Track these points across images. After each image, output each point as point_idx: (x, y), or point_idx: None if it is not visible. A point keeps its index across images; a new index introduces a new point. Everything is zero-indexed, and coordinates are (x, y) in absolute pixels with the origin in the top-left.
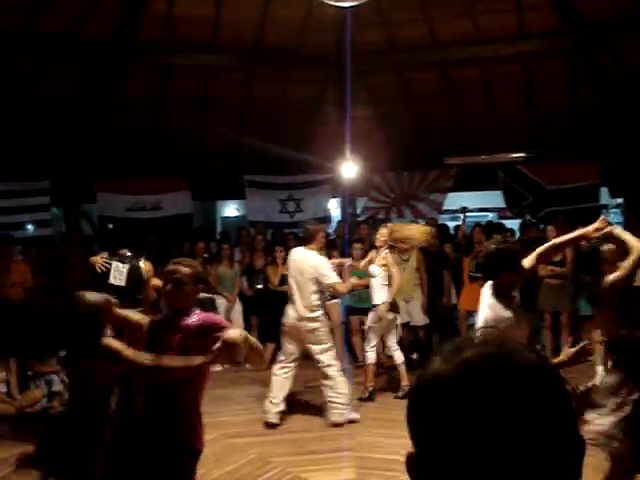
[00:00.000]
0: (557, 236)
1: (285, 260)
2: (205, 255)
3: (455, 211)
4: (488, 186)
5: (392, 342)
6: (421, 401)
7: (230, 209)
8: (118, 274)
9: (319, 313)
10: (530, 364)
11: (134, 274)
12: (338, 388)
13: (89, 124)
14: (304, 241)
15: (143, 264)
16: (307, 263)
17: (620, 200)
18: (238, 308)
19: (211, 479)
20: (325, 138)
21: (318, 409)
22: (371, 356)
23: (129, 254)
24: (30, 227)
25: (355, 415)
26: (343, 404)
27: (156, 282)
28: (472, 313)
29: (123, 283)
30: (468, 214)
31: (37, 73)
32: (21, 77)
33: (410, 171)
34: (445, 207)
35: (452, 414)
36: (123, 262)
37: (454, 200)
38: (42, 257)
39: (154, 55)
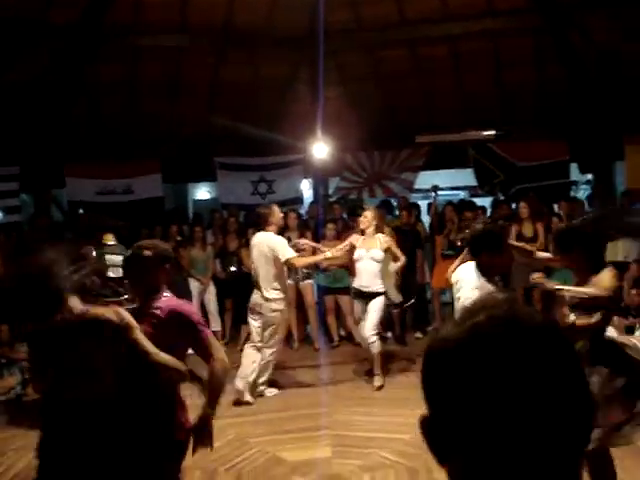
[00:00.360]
0: (529, 213)
1: None
2: (178, 238)
3: (426, 190)
4: (459, 164)
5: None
6: (435, 364)
7: (202, 192)
8: (113, 268)
9: (278, 296)
10: (538, 324)
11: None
12: (265, 370)
13: (59, 109)
14: (261, 225)
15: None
16: (265, 244)
17: (590, 176)
18: (212, 291)
19: (189, 460)
20: (297, 118)
21: (293, 389)
22: (377, 344)
23: (112, 243)
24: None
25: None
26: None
27: None
28: (445, 290)
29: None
30: (440, 192)
31: (5, 58)
32: None
33: (381, 150)
34: (416, 186)
35: (464, 376)
36: (113, 254)
37: (425, 179)
38: (11, 244)
39: (123, 38)
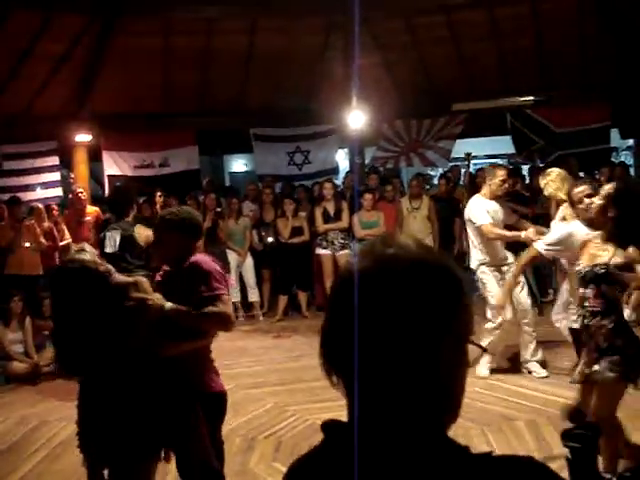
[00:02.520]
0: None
1: (295, 213)
2: (218, 209)
3: (461, 158)
4: (497, 132)
5: None
6: (338, 287)
7: (238, 164)
8: (111, 242)
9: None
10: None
11: (126, 240)
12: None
13: (92, 81)
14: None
15: (138, 230)
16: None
17: (631, 142)
18: (250, 262)
19: (229, 428)
20: (332, 87)
21: None
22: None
23: (126, 221)
24: (39, 189)
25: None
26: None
27: None
28: None
29: (116, 249)
30: (476, 161)
31: (40, 28)
32: (23, 35)
33: (418, 118)
34: (453, 155)
35: (348, 300)
36: (115, 229)
37: (462, 147)
38: (53, 218)
39: (156, 9)
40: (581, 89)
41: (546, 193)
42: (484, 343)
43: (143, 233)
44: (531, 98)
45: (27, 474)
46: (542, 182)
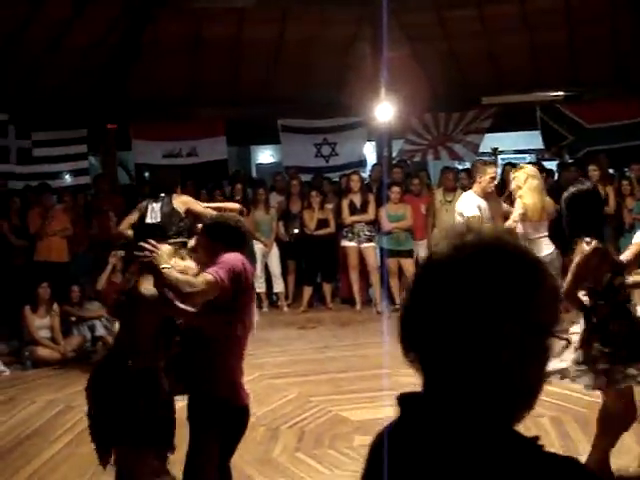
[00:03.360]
0: (600, 176)
1: (322, 205)
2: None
3: (488, 154)
4: (526, 126)
5: None
6: (419, 271)
7: (265, 155)
8: (152, 213)
9: None
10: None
11: (166, 209)
12: None
13: (123, 71)
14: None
15: (176, 198)
16: None
17: None
18: (275, 253)
19: (253, 417)
20: (360, 79)
21: (354, 351)
22: None
23: (162, 195)
24: (67, 176)
25: None
26: None
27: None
28: None
29: (158, 220)
30: (505, 156)
31: (71, 18)
32: (55, 24)
33: (447, 112)
34: (480, 149)
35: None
36: (156, 202)
37: (491, 141)
38: (80, 205)
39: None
40: (613, 84)
41: (510, 187)
42: None
43: (181, 199)
44: (562, 93)
45: (53, 457)
46: (511, 175)
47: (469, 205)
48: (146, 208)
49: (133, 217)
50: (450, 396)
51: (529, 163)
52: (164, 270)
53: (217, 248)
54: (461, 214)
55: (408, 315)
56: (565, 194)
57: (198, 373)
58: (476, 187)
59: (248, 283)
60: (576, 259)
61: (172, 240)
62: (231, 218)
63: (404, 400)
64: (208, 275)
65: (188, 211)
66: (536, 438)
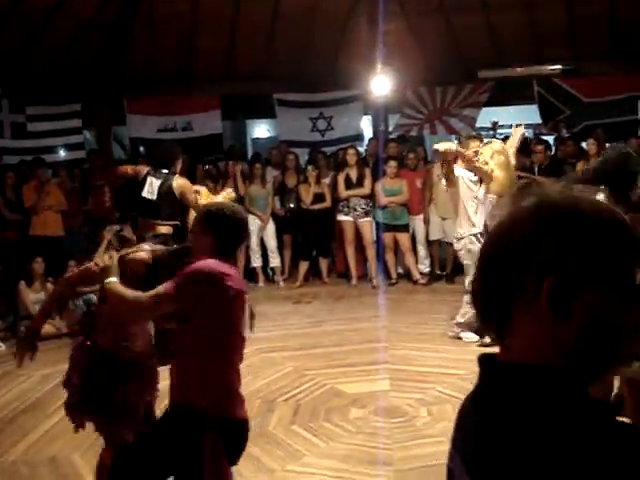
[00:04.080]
0: (597, 150)
1: (318, 179)
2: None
3: (487, 128)
4: (523, 100)
5: None
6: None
7: (261, 130)
8: (150, 188)
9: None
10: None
11: (164, 188)
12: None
13: (118, 45)
14: None
15: (176, 180)
16: None
17: None
18: (271, 228)
19: (249, 390)
20: (356, 53)
21: (350, 325)
22: None
23: (165, 171)
24: (62, 151)
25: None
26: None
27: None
28: None
29: (154, 197)
30: (501, 130)
31: None
32: None
33: (443, 86)
34: (477, 124)
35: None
36: (156, 177)
37: (487, 116)
38: (75, 180)
39: None
40: (611, 59)
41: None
42: (461, 316)
43: (180, 182)
44: (559, 67)
45: (49, 430)
46: (479, 150)
47: (467, 173)
48: (145, 179)
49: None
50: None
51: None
52: (107, 286)
53: (208, 240)
54: (463, 178)
55: (484, 280)
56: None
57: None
58: (460, 161)
59: (225, 290)
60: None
61: (162, 222)
62: (227, 207)
63: (484, 361)
64: (159, 288)
65: (182, 197)
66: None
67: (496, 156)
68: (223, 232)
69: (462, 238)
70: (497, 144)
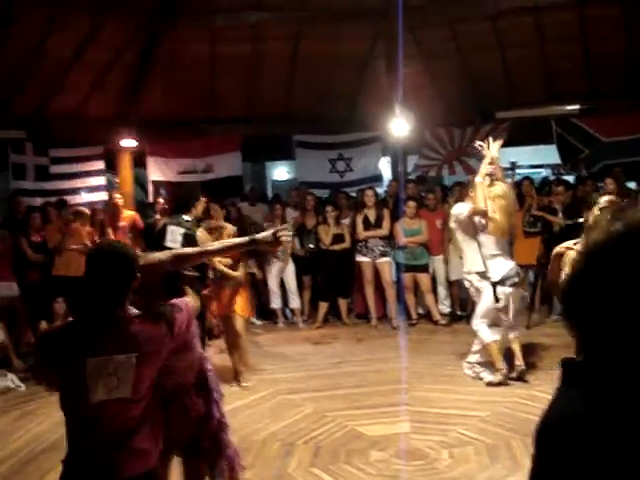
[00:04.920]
0: (617, 190)
1: (337, 220)
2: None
3: (505, 168)
4: (541, 140)
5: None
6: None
7: (280, 171)
8: (173, 236)
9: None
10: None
11: (188, 238)
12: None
13: (139, 88)
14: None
15: (200, 234)
16: None
17: None
18: (291, 268)
19: (268, 432)
20: (375, 95)
21: (370, 366)
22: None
23: (188, 219)
24: (84, 193)
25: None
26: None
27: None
28: (528, 268)
29: (177, 245)
30: (521, 170)
31: (88, 36)
32: (72, 41)
33: (461, 127)
34: None
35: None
36: (180, 226)
37: (506, 156)
38: (97, 221)
39: (200, 15)
40: (629, 97)
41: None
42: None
43: (204, 238)
44: (577, 107)
45: None
46: (481, 184)
47: (463, 206)
48: (164, 228)
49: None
50: (610, 363)
51: (523, 179)
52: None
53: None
54: (457, 216)
55: (574, 289)
56: None
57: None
58: (468, 200)
59: None
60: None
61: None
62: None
63: (567, 366)
64: None
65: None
66: None
67: (498, 200)
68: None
69: (469, 275)
70: (500, 188)
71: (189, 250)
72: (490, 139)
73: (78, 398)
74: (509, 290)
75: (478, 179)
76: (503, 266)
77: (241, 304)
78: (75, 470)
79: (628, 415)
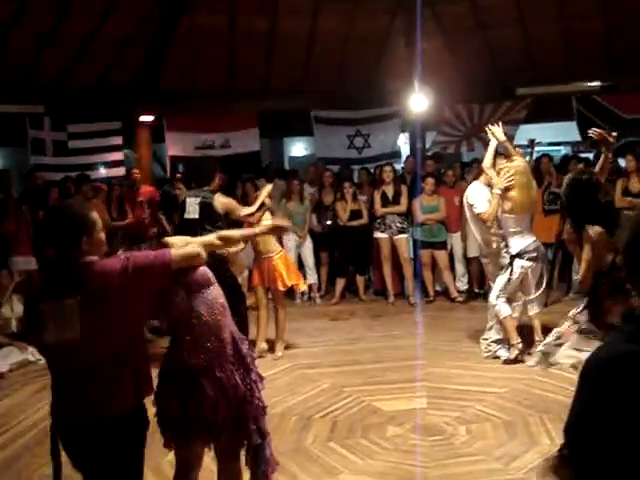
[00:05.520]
0: (637, 167)
1: (355, 196)
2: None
3: (524, 145)
4: (562, 117)
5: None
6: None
7: (298, 148)
8: (192, 208)
9: None
10: None
11: (205, 207)
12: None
13: (157, 63)
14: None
15: (217, 198)
16: None
17: None
18: (309, 244)
19: (286, 406)
20: (394, 70)
21: (387, 342)
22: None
23: (206, 189)
24: (102, 168)
25: None
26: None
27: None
28: (547, 245)
29: (196, 215)
30: (540, 148)
31: (106, 10)
32: (90, 16)
33: (481, 103)
34: (515, 141)
35: None
36: (196, 196)
37: (526, 133)
38: (114, 197)
39: None
40: None
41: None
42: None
43: (222, 201)
44: (598, 83)
45: None
46: (501, 164)
47: (480, 200)
48: (184, 202)
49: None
50: None
51: (542, 157)
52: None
53: None
54: (472, 206)
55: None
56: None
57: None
58: (483, 178)
59: None
60: (585, 248)
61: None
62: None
63: (627, 317)
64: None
65: (230, 213)
66: None
67: (517, 176)
68: None
69: (513, 258)
70: (519, 163)
71: (208, 239)
72: (491, 126)
73: (39, 341)
74: (527, 264)
75: (486, 164)
76: (522, 241)
77: (282, 276)
78: (55, 413)
79: None
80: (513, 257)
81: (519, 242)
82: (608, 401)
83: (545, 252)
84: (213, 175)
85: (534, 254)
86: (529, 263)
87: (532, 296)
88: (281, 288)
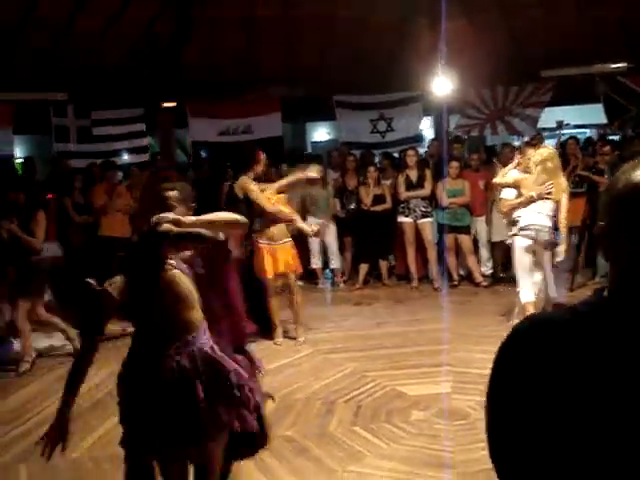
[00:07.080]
0: None
1: (378, 180)
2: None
3: (551, 128)
4: (587, 99)
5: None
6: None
7: (320, 132)
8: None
9: None
10: None
11: (230, 191)
12: None
13: (179, 49)
14: None
15: (238, 182)
16: None
17: None
18: (332, 229)
19: (310, 391)
20: (417, 53)
21: (412, 327)
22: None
23: (245, 174)
24: (126, 154)
25: None
26: None
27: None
28: (572, 229)
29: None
30: (565, 130)
31: None
32: (111, 2)
33: (505, 85)
34: (541, 123)
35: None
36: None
37: (551, 115)
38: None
39: None
40: None
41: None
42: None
43: (239, 183)
44: (624, 64)
45: (109, 431)
46: (531, 151)
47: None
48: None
49: None
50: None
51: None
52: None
53: None
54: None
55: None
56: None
57: None
58: (512, 167)
59: None
60: None
61: None
62: None
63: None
64: None
65: (247, 195)
66: None
67: (544, 164)
68: None
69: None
70: (546, 151)
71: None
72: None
73: None
74: (524, 242)
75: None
76: (533, 218)
77: (293, 262)
78: None
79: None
80: (520, 230)
81: (528, 217)
82: (512, 374)
83: (569, 236)
84: (251, 161)
85: (542, 234)
86: (525, 241)
87: (550, 282)
88: (299, 271)
